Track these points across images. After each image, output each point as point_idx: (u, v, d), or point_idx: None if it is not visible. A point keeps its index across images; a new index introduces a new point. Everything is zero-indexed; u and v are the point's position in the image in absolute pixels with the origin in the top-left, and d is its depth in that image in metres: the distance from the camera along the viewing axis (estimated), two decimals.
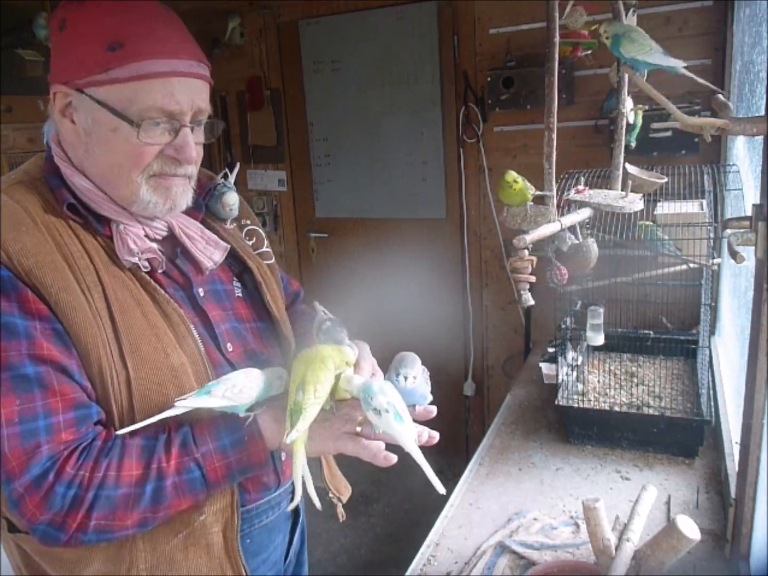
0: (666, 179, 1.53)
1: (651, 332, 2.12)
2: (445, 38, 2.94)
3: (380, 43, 3.06)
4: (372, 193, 3.31)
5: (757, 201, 1.03)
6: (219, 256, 1.05)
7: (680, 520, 0.97)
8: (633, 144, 2.04)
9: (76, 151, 0.95)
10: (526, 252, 1.34)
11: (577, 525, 1.37)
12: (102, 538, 0.87)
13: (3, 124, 2.85)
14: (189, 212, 1.04)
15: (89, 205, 0.95)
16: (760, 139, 1.19)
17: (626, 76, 1.39)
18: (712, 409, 1.64)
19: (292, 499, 0.99)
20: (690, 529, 0.97)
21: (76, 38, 0.89)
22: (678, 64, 1.25)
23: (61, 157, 0.96)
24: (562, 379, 1.80)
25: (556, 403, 1.74)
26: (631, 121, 1.52)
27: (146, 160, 0.92)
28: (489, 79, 2.78)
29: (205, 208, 1.10)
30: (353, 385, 0.92)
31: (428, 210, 3.19)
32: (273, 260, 1.20)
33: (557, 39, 1.23)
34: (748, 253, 1.03)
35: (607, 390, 1.85)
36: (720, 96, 1.20)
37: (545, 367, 2.11)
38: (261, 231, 1.21)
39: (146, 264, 0.96)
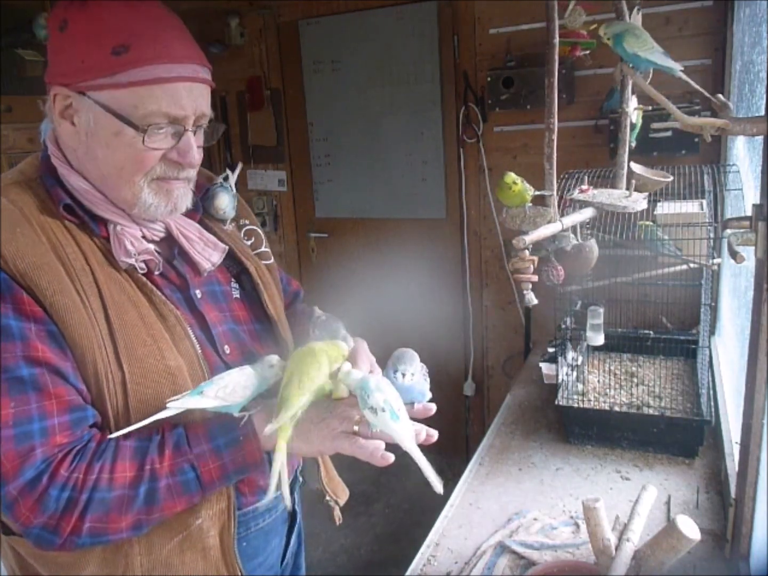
0: (672, 178, 1.53)
1: (651, 332, 2.12)
2: (445, 38, 2.94)
3: (380, 43, 3.06)
4: (372, 193, 3.31)
5: (757, 201, 1.03)
6: (217, 257, 1.05)
7: (680, 520, 0.97)
8: (633, 144, 2.04)
9: (75, 153, 0.94)
10: (527, 252, 1.34)
11: (577, 525, 1.37)
12: (96, 542, 0.87)
13: (3, 124, 2.85)
14: (187, 213, 1.03)
15: (86, 205, 0.94)
16: (760, 139, 1.19)
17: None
18: (712, 409, 1.63)
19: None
20: (690, 529, 0.97)
21: (79, 40, 0.88)
22: (676, 67, 1.25)
23: (57, 157, 0.95)
24: (562, 379, 1.80)
25: (556, 403, 1.74)
26: (633, 120, 1.52)
27: (150, 165, 0.92)
28: (489, 79, 2.78)
29: (202, 209, 1.09)
30: (352, 379, 0.91)
31: (428, 210, 3.19)
32: (272, 260, 1.20)
33: (557, 40, 1.23)
34: (748, 253, 1.03)
35: (607, 390, 1.85)
36: (720, 96, 1.20)
37: (545, 367, 2.11)
38: (260, 231, 1.20)
39: (143, 265, 0.95)
